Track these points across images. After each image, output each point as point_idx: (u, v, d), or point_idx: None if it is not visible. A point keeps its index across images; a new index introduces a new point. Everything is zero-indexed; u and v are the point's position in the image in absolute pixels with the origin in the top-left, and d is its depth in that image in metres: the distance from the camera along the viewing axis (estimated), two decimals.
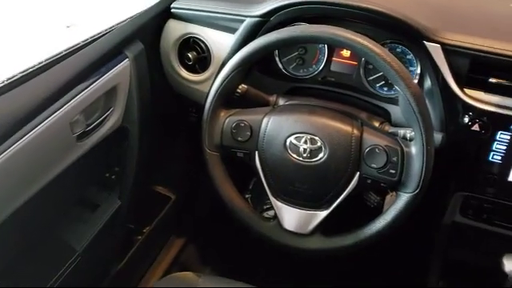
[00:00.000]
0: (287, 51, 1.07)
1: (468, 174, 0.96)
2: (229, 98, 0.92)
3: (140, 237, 1.29)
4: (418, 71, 0.98)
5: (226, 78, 0.88)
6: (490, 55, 0.87)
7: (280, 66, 1.08)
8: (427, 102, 0.95)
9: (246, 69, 0.89)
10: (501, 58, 0.87)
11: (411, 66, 1.00)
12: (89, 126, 0.90)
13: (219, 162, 0.92)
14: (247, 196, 1.31)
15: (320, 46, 1.05)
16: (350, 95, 1.05)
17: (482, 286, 1.06)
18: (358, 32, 0.84)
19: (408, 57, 0.99)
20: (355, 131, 0.85)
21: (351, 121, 0.87)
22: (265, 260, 1.40)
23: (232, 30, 1.03)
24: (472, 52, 0.88)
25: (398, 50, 1.00)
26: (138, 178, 1.09)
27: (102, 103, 0.95)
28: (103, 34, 0.96)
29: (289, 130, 0.86)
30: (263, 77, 1.07)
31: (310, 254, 0.90)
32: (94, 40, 0.94)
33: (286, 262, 1.36)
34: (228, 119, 0.90)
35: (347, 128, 0.85)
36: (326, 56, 1.05)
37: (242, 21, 1.00)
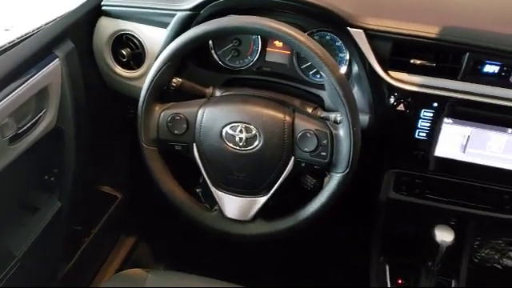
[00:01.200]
0: (222, 43, 1.08)
1: (397, 151, 1.01)
2: (163, 92, 0.92)
3: (87, 238, 1.28)
4: (347, 57, 1.02)
5: (157, 72, 0.88)
6: (410, 38, 0.92)
7: (216, 58, 1.10)
8: (356, 86, 1.00)
9: (177, 62, 0.90)
10: (420, 39, 0.92)
11: (340, 52, 1.04)
12: (21, 128, 0.88)
13: (157, 157, 0.93)
14: (198, 190, 1.32)
15: (254, 37, 1.07)
16: (285, 84, 1.08)
17: (420, 258, 1.12)
18: (288, 22, 0.87)
19: (337, 44, 1.03)
20: (287, 118, 0.87)
21: (283, 108, 0.89)
22: (216, 251, 1.42)
23: (164, 25, 1.03)
24: (393, 35, 0.93)
25: (328, 37, 1.04)
26: (78, 178, 1.08)
27: (34, 105, 0.93)
28: (31, 35, 0.94)
29: (224, 120, 0.88)
30: (199, 70, 1.08)
31: (252, 239, 0.93)
32: (21, 41, 0.92)
33: (236, 252, 1.38)
34: (163, 113, 0.91)
35: (279, 115, 0.88)
36: (260, 47, 1.07)
37: (174, 15, 1.01)
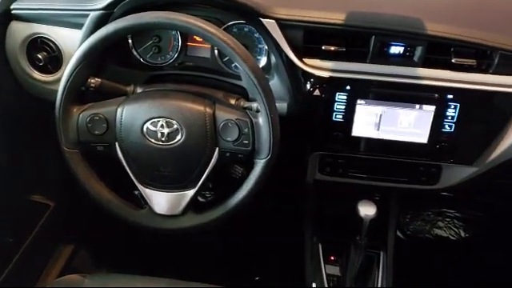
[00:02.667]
0: (142, 41, 1.09)
1: (318, 134, 1.06)
2: (80, 94, 0.92)
3: (21, 249, 1.24)
4: (266, 47, 1.06)
5: (71, 73, 0.87)
6: (319, 25, 0.97)
7: (137, 56, 1.10)
8: (276, 75, 1.04)
9: (91, 62, 0.89)
10: (329, 26, 0.97)
11: (259, 43, 1.07)
12: None
13: (80, 159, 0.92)
14: (137, 192, 1.32)
15: (173, 32, 1.08)
16: (208, 77, 1.09)
17: (349, 234, 1.18)
18: (205, 16, 0.88)
19: (256, 35, 1.06)
20: (208, 109, 0.89)
21: (203, 100, 0.91)
22: (157, 249, 1.42)
23: (79, 26, 1.02)
24: (304, 24, 0.97)
25: (246, 29, 1.06)
26: (5, 189, 1.05)
27: None
28: None
29: (144, 117, 0.89)
30: (121, 69, 1.07)
31: (185, 232, 0.95)
32: None
33: (176, 248, 1.39)
34: (82, 114, 0.90)
35: (200, 107, 0.89)
36: (180, 42, 1.08)
37: (87, 15, 1.00)
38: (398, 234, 1.76)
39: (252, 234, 1.41)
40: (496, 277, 1.62)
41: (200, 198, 1.67)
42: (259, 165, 0.90)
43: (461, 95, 0.97)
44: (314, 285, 1.20)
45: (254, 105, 0.93)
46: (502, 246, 1.68)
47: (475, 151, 1.03)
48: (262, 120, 0.88)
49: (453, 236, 1.74)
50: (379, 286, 1.20)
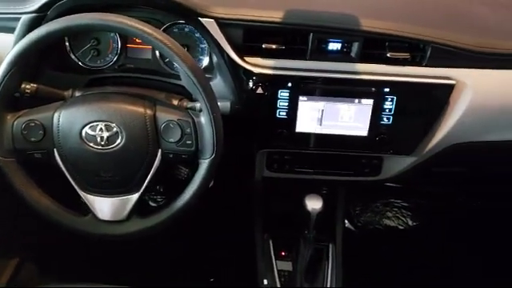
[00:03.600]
0: (80, 44, 1.06)
1: (264, 132, 1.07)
2: (14, 100, 0.88)
3: None
4: (208, 47, 1.05)
5: (3, 79, 0.84)
6: (258, 24, 0.97)
7: (75, 59, 1.07)
8: (218, 74, 1.04)
9: (23, 66, 0.86)
10: (267, 25, 0.98)
11: (201, 43, 1.07)
12: None
13: (17, 168, 0.89)
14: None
15: (112, 34, 1.06)
16: (150, 78, 1.08)
17: (298, 229, 1.20)
18: (144, 17, 0.86)
19: (197, 35, 1.06)
20: (148, 111, 0.88)
21: (143, 102, 0.90)
22: (107, 256, 1.39)
23: (11, 30, 0.98)
24: (243, 23, 0.97)
25: (186, 29, 1.06)
26: None
27: None
28: None
29: (82, 121, 0.86)
30: (58, 73, 1.04)
31: (130, 237, 0.93)
32: None
33: (126, 254, 1.37)
34: (16, 121, 0.87)
35: (139, 109, 0.88)
36: (119, 44, 1.06)
37: (18, 18, 0.96)
38: (349, 226, 1.81)
39: (203, 234, 1.40)
40: (443, 263, 1.69)
41: (151, 203, 1.66)
42: (204, 165, 0.90)
43: (397, 88, 1.00)
44: (265, 282, 1.21)
45: (197, 105, 0.92)
46: (447, 233, 1.76)
47: (413, 142, 1.07)
48: (204, 119, 0.87)
49: (401, 225, 1.81)
50: (329, 277, 1.23)
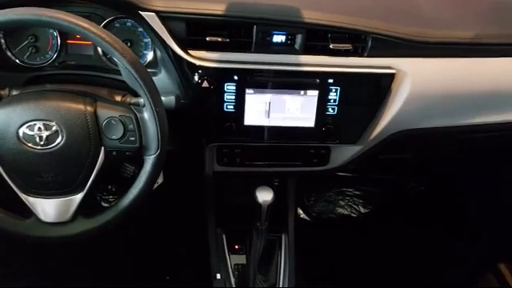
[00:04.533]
0: (17, 41, 1.02)
1: (212, 126, 1.06)
2: None
3: None
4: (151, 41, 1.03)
5: None
6: (200, 16, 0.96)
7: (12, 57, 1.02)
8: (163, 69, 1.02)
9: None
10: (210, 17, 0.97)
11: (144, 37, 1.05)
12: None
13: None
14: None
15: (51, 31, 1.02)
16: (92, 75, 1.05)
17: (251, 221, 1.20)
18: (84, 12, 0.83)
19: (139, 29, 1.04)
20: (88, 108, 0.85)
21: (83, 98, 0.87)
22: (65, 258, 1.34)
23: None
24: (184, 16, 0.96)
25: (129, 24, 1.03)
26: None
27: None
28: None
29: (19, 120, 0.82)
30: None
31: (76, 238, 0.90)
32: None
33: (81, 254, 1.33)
34: None
35: (79, 106, 0.85)
36: (59, 40, 1.03)
37: None
38: (304, 216, 1.84)
39: (156, 232, 1.38)
40: (395, 247, 1.76)
41: (104, 204, 1.62)
42: (149, 161, 0.88)
43: (340, 79, 1.02)
44: (218, 276, 1.21)
45: (141, 100, 0.91)
46: (397, 218, 1.83)
47: (358, 131, 1.09)
48: (147, 115, 0.86)
49: (353, 213, 1.85)
50: (282, 267, 1.24)
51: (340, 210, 1.86)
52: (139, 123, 0.86)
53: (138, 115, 0.86)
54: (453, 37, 1.06)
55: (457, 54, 1.06)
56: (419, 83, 1.05)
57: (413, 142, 1.18)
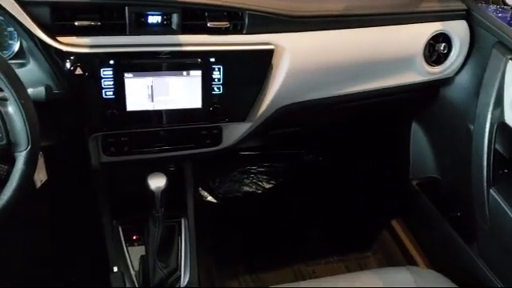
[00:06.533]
0: None
1: (93, 115, 1.01)
2: None
3: None
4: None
5: None
6: (65, 0, 0.91)
7: None
8: (31, 59, 0.95)
9: None
10: (75, 1, 0.91)
11: (8, 27, 0.97)
12: None
13: None
14: None
15: None
16: None
17: (147, 210, 1.18)
18: None
19: (1, 18, 0.95)
20: None
21: None
22: None
23: None
24: (48, 0, 0.89)
25: None
26: None
27: None
28: None
29: None
30: None
31: None
32: None
33: None
34: None
35: None
36: None
37: None
38: (211, 198, 1.84)
39: (51, 232, 1.30)
40: (300, 218, 1.83)
41: None
42: (20, 158, 0.82)
43: (222, 57, 1.01)
44: (115, 269, 1.17)
45: (5, 94, 0.84)
46: (299, 189, 1.90)
47: (245, 108, 1.10)
48: (12, 109, 0.79)
49: (259, 189, 1.89)
50: (183, 252, 1.23)
51: (245, 188, 1.89)
52: (4, 118, 0.79)
53: (2, 110, 0.79)
54: (326, 10, 1.10)
55: (331, 27, 1.10)
56: (297, 57, 1.08)
57: (298, 115, 1.22)
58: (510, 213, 1.10)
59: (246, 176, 1.90)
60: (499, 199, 1.12)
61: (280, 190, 1.88)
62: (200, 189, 1.82)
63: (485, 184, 1.16)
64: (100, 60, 0.95)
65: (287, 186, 1.89)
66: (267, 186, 1.90)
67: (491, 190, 1.14)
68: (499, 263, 1.24)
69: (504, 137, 1.15)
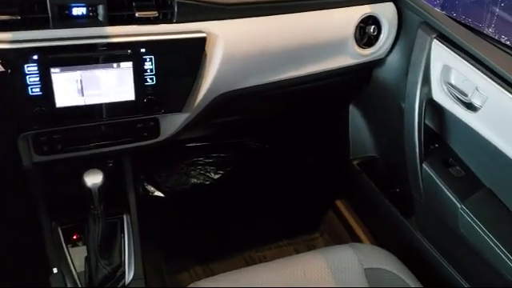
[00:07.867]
0: None
1: (18, 113, 0.96)
2: None
3: None
4: None
5: None
6: None
7: None
8: None
9: None
10: None
11: None
12: None
13: None
14: None
15: None
16: None
17: (86, 208, 1.14)
18: None
19: None
20: None
21: None
22: None
23: None
24: None
25: None
26: None
27: None
28: None
29: None
30: None
31: None
32: None
33: None
34: None
35: None
36: None
37: None
38: (158, 193, 1.82)
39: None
40: (249, 206, 1.84)
41: None
42: None
43: (152, 47, 1.00)
44: (54, 270, 1.14)
45: None
46: (247, 178, 1.91)
47: (181, 98, 1.09)
48: None
49: (207, 181, 1.89)
50: (126, 249, 1.21)
51: (193, 180, 1.88)
52: None
53: None
54: None
55: (263, 13, 1.11)
56: (231, 45, 1.07)
57: (236, 103, 1.22)
58: (441, 185, 1.16)
59: (193, 168, 1.89)
60: (431, 173, 1.18)
61: (228, 180, 1.89)
62: (146, 184, 1.79)
63: (418, 159, 1.21)
64: (23, 56, 0.91)
65: (235, 175, 1.90)
66: (215, 176, 1.90)
67: (424, 165, 1.19)
68: (435, 234, 1.30)
69: (433, 113, 1.21)
